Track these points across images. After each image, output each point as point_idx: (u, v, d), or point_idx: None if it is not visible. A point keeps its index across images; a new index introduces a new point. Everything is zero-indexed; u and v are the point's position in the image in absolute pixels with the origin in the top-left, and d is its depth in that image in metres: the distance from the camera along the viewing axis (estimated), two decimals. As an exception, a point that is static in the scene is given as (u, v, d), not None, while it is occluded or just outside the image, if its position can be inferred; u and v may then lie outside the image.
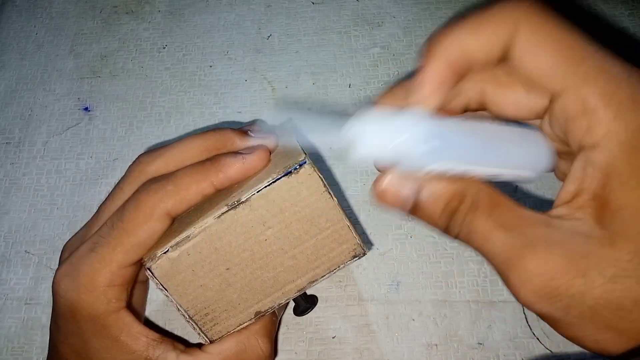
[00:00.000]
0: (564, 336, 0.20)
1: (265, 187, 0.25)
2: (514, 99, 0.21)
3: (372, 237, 0.41)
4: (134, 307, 0.30)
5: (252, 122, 0.31)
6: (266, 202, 0.25)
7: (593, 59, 0.18)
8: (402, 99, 0.21)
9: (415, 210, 0.21)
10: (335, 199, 0.26)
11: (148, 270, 0.26)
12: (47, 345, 0.39)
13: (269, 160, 0.27)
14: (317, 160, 0.42)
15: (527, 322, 0.37)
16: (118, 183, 0.30)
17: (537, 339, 0.37)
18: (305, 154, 0.25)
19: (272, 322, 0.31)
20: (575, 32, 0.19)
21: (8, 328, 0.40)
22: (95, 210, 0.32)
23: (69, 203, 0.45)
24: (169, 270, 0.25)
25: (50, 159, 0.47)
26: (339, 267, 0.27)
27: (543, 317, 0.20)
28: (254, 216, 0.25)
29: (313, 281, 0.28)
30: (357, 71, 0.49)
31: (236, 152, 0.27)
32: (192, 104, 0.49)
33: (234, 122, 0.48)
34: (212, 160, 0.27)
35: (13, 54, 0.53)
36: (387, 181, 0.20)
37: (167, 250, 0.25)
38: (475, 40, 0.20)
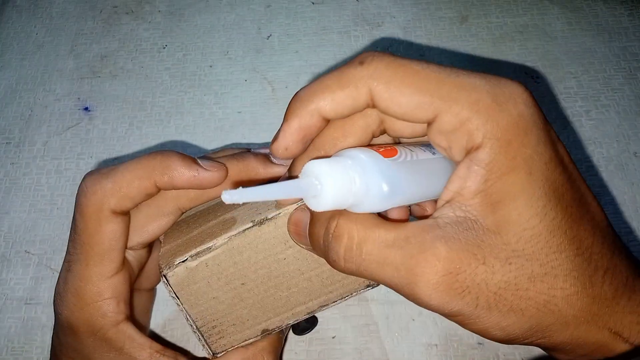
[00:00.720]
0: (473, 331, 0.21)
1: (293, 207, 0.24)
2: (405, 124, 0.23)
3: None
4: (137, 317, 0.30)
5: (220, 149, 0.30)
6: None
7: (449, 80, 0.20)
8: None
9: (310, 241, 0.23)
10: None
11: (163, 277, 0.25)
12: (47, 346, 0.39)
13: (225, 179, 0.27)
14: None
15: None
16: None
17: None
18: None
19: (278, 340, 0.30)
20: (424, 65, 0.21)
21: (8, 328, 0.40)
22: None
23: (69, 203, 0.45)
24: (184, 279, 0.25)
25: (51, 159, 0.47)
26: (352, 294, 0.27)
27: (453, 315, 0.20)
28: (277, 234, 0.25)
29: (324, 305, 0.27)
30: (357, 71, 0.49)
31: (192, 160, 0.26)
32: (192, 104, 0.49)
33: (234, 123, 0.48)
34: (161, 157, 0.26)
35: (13, 54, 0.53)
36: (289, 218, 0.24)
37: (186, 259, 0.24)
38: (332, 103, 0.22)
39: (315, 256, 0.25)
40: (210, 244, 0.24)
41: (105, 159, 0.47)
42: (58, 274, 0.28)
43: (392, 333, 0.38)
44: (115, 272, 0.27)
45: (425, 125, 0.22)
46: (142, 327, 0.32)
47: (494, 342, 0.37)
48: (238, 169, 0.27)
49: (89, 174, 0.27)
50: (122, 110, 0.49)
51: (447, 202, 0.21)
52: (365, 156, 0.21)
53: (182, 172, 0.25)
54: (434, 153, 0.24)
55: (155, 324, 0.39)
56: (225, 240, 0.24)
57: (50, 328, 0.40)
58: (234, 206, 0.26)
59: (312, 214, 0.23)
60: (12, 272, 0.42)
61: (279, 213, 0.24)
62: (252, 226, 0.24)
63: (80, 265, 0.26)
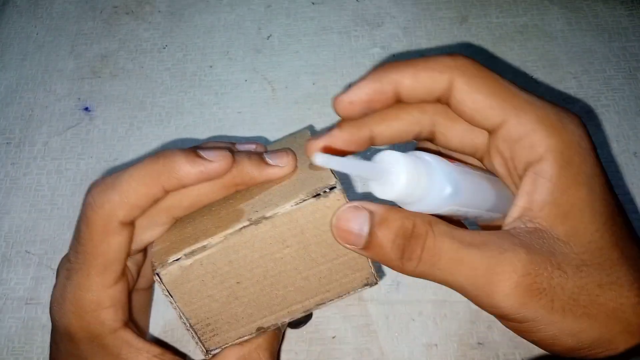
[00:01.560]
0: (539, 341, 0.22)
1: (292, 206, 0.24)
2: (459, 132, 0.25)
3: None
4: (135, 317, 0.30)
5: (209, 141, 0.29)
6: (289, 221, 0.24)
7: (521, 95, 0.22)
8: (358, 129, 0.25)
9: (368, 245, 0.22)
10: None
11: (156, 276, 0.24)
12: (47, 346, 0.40)
13: (234, 164, 0.25)
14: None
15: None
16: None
17: (537, 339, 0.37)
18: (336, 178, 0.24)
19: (275, 337, 0.30)
20: (502, 78, 0.23)
21: (8, 328, 0.40)
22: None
23: (70, 203, 0.45)
24: (178, 277, 0.24)
25: (51, 159, 0.47)
26: (349, 293, 0.27)
27: (526, 320, 0.21)
28: (275, 233, 0.24)
29: (321, 304, 0.27)
30: (357, 71, 0.49)
31: (196, 154, 0.25)
32: (192, 104, 0.49)
33: (234, 123, 0.48)
34: (165, 159, 0.25)
35: (14, 54, 0.53)
36: (339, 216, 0.22)
37: (180, 258, 0.24)
38: (412, 79, 0.23)
39: (313, 255, 0.25)
40: (205, 242, 0.24)
41: (105, 159, 0.47)
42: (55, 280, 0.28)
43: (392, 333, 0.38)
44: (116, 282, 0.26)
45: (477, 140, 0.24)
46: (140, 327, 0.31)
47: (493, 343, 0.37)
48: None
49: (95, 185, 0.26)
50: (122, 111, 0.49)
51: (517, 217, 0.22)
52: (433, 159, 0.22)
53: (189, 170, 0.25)
54: (488, 175, 0.25)
55: (154, 324, 0.39)
56: (221, 238, 0.24)
57: (50, 328, 0.40)
58: (229, 202, 0.26)
59: (375, 214, 0.21)
60: (12, 272, 0.42)
61: (277, 212, 0.24)
62: (249, 225, 0.24)
63: (81, 274, 0.26)
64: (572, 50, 0.49)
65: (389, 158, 0.21)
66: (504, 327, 0.23)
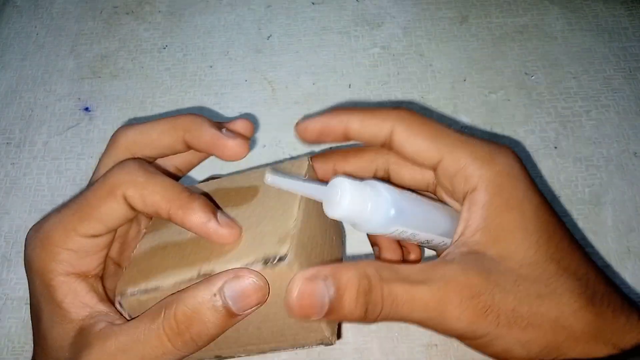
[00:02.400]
0: (497, 355, 0.23)
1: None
2: (410, 171, 0.28)
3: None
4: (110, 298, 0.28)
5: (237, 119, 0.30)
6: None
7: (454, 135, 0.25)
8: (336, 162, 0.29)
9: (330, 313, 0.21)
10: None
11: (118, 304, 0.26)
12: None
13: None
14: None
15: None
16: (102, 155, 0.29)
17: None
18: (289, 244, 0.23)
19: None
20: (438, 124, 0.26)
21: (8, 328, 0.40)
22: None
23: (70, 203, 0.45)
24: (136, 307, 0.25)
25: (51, 159, 0.47)
26: (303, 347, 0.27)
27: (479, 337, 0.22)
28: None
29: (275, 350, 0.27)
30: (357, 71, 0.49)
31: (212, 215, 0.25)
32: (192, 104, 0.49)
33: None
34: (191, 194, 0.25)
35: (14, 54, 0.53)
36: (299, 294, 0.21)
37: (136, 294, 0.25)
38: (359, 124, 0.26)
39: (265, 312, 0.24)
40: (158, 284, 0.24)
41: (105, 159, 0.47)
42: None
43: (392, 333, 0.38)
44: (90, 235, 0.25)
45: (426, 176, 0.27)
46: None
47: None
48: (185, 121, 0.29)
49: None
50: (122, 111, 0.49)
51: (452, 244, 0.24)
52: (382, 186, 0.24)
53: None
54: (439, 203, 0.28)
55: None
56: (171, 284, 0.24)
57: (50, 328, 0.40)
58: (198, 241, 0.26)
59: (337, 280, 0.21)
60: (12, 272, 0.42)
61: (227, 270, 0.24)
62: (197, 277, 0.24)
63: (68, 211, 0.26)
64: (572, 50, 0.49)
65: (338, 182, 0.23)
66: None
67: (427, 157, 0.25)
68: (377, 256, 0.32)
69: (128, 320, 0.25)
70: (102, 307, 0.26)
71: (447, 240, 0.27)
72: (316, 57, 0.50)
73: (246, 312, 0.23)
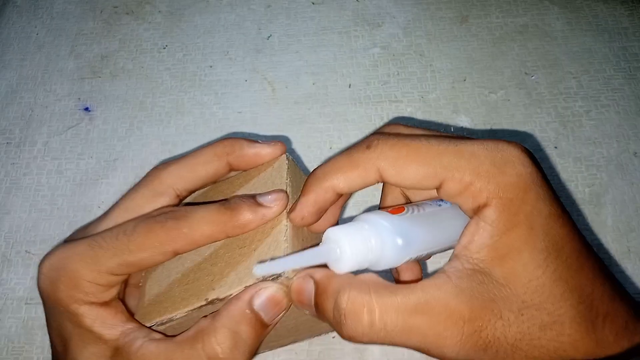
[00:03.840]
0: None
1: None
2: (410, 176, 0.25)
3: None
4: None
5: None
6: None
7: (449, 150, 0.23)
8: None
9: (317, 312, 0.24)
10: None
11: None
12: (47, 346, 0.39)
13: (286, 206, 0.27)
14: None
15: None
16: (135, 187, 0.29)
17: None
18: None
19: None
20: (426, 141, 0.23)
21: (8, 328, 0.40)
22: (98, 211, 0.31)
23: (70, 203, 0.45)
24: None
25: (51, 159, 0.47)
26: (319, 335, 0.29)
27: None
28: None
29: (294, 342, 0.29)
30: (357, 71, 0.49)
31: (254, 201, 0.27)
32: (192, 104, 0.49)
33: (234, 123, 0.48)
34: (231, 208, 0.27)
35: (14, 55, 0.53)
36: (293, 289, 0.24)
37: (154, 325, 0.26)
38: (346, 182, 0.25)
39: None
40: (171, 316, 0.26)
41: (105, 159, 0.47)
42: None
43: (392, 333, 0.38)
44: (121, 275, 0.26)
45: (430, 191, 0.25)
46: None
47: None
48: (224, 145, 0.29)
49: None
50: (122, 111, 0.49)
51: (456, 255, 0.23)
52: (377, 216, 0.23)
53: (251, 219, 0.27)
54: (439, 205, 0.26)
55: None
56: (184, 314, 0.26)
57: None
58: (200, 265, 0.27)
59: (317, 284, 0.23)
60: (12, 272, 0.42)
61: (230, 294, 0.25)
62: (206, 304, 0.25)
63: (103, 252, 0.26)
64: (572, 50, 0.49)
65: (331, 236, 0.22)
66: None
67: (426, 185, 0.24)
68: (397, 280, 0.30)
69: (165, 336, 0.26)
70: (131, 324, 0.27)
71: (452, 245, 0.26)
72: (316, 57, 0.50)
73: (275, 320, 0.25)
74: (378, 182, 0.25)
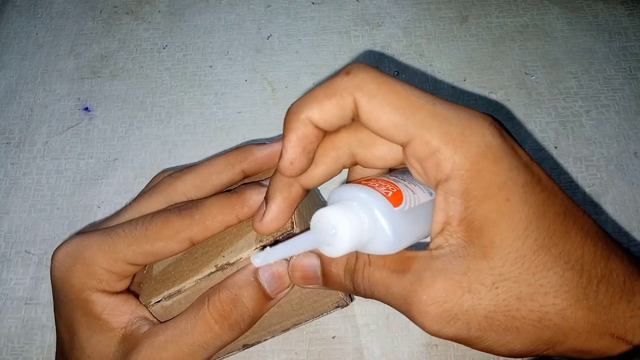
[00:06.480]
0: (480, 350, 0.22)
1: (251, 252, 0.26)
2: (379, 154, 0.25)
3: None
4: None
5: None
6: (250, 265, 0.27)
7: (425, 107, 0.22)
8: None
9: (325, 280, 0.25)
10: None
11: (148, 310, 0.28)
12: (47, 346, 0.39)
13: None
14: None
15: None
16: (146, 190, 0.30)
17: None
18: (293, 221, 0.26)
19: None
20: (406, 88, 0.22)
21: (8, 328, 0.40)
22: (98, 211, 0.31)
23: (69, 203, 0.45)
24: (163, 313, 0.27)
25: (51, 159, 0.47)
26: (322, 314, 0.29)
27: (453, 339, 0.22)
28: None
29: (297, 324, 0.29)
30: (357, 71, 0.49)
31: (259, 184, 0.28)
32: (192, 104, 0.49)
33: (234, 123, 0.48)
34: (238, 193, 0.28)
35: (13, 54, 0.53)
36: (292, 266, 0.25)
37: (161, 300, 0.27)
38: (321, 113, 0.23)
39: None
40: (180, 287, 0.26)
41: (105, 159, 0.47)
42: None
43: (392, 333, 0.38)
44: (137, 265, 0.27)
45: (395, 155, 0.24)
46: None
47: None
48: (235, 153, 0.30)
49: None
50: (122, 110, 0.49)
51: (439, 232, 0.22)
52: (373, 199, 0.22)
53: (257, 199, 0.28)
54: (431, 194, 0.25)
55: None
56: (193, 283, 0.26)
57: (50, 328, 0.40)
58: (205, 242, 0.28)
59: (322, 256, 0.24)
60: (12, 272, 0.42)
61: (240, 258, 0.26)
62: (216, 270, 0.26)
63: (122, 240, 0.27)
64: (572, 50, 0.49)
65: (326, 217, 0.22)
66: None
67: (395, 135, 0.22)
68: None
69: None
70: (140, 312, 0.27)
71: None
72: (316, 57, 0.50)
73: (279, 295, 0.26)
74: (355, 117, 0.23)
